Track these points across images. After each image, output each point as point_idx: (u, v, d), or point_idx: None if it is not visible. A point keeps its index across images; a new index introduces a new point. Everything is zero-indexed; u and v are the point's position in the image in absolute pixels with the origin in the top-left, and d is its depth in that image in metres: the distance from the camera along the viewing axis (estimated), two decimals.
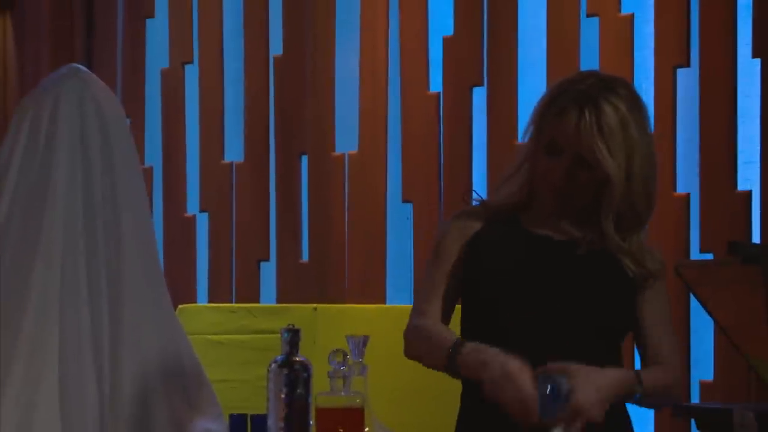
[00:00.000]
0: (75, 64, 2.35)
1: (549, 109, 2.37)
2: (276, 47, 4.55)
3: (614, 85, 2.37)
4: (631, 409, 2.46)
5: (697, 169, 3.80)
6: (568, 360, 2.29)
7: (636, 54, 3.90)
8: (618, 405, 2.38)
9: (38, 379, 2.12)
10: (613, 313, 2.39)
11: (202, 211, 4.69)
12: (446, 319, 2.45)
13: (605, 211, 2.35)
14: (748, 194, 3.74)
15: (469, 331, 2.42)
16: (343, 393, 2.14)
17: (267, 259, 4.55)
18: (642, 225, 2.40)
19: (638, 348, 2.47)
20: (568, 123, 2.33)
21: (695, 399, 3.73)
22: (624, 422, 2.43)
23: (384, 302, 4.27)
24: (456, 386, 2.46)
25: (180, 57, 4.74)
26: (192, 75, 4.73)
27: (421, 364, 2.47)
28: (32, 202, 2.20)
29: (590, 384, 2.23)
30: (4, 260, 2.17)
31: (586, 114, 2.32)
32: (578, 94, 2.34)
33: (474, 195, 2.50)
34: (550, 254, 2.39)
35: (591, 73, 2.43)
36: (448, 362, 2.35)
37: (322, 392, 2.15)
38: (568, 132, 2.33)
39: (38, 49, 5.03)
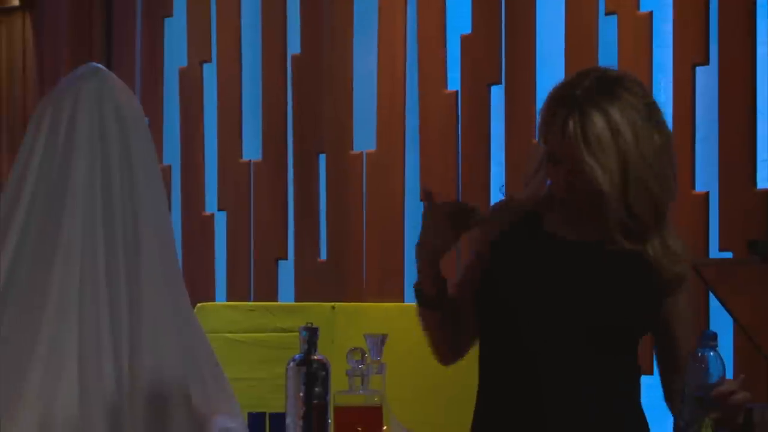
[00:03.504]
0: (94, 64, 2.36)
1: (542, 115, 2.30)
2: (294, 46, 4.56)
3: (613, 85, 2.25)
4: (647, 407, 2.44)
5: (716, 168, 3.79)
6: (583, 361, 2.28)
7: (655, 52, 3.89)
8: (633, 405, 2.37)
9: (58, 378, 2.12)
10: (632, 315, 2.36)
11: (220, 209, 4.70)
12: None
13: (609, 225, 2.26)
14: None
15: (487, 335, 2.42)
16: (361, 391, 2.14)
17: (285, 258, 4.55)
18: (651, 231, 2.28)
19: (661, 357, 2.40)
20: (556, 133, 2.25)
21: None
22: (641, 422, 2.41)
23: (402, 301, 4.27)
24: (474, 385, 2.46)
25: (198, 56, 4.75)
26: (210, 74, 4.73)
27: (436, 362, 2.45)
28: (52, 202, 2.21)
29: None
30: (24, 260, 2.18)
31: (571, 124, 2.21)
32: (567, 101, 2.24)
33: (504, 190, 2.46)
34: (568, 257, 2.35)
35: (590, 72, 2.29)
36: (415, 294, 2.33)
37: (341, 390, 2.15)
38: (557, 143, 2.25)
39: (57, 48, 5.05)
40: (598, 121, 2.20)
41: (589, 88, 2.24)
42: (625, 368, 2.33)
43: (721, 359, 2.12)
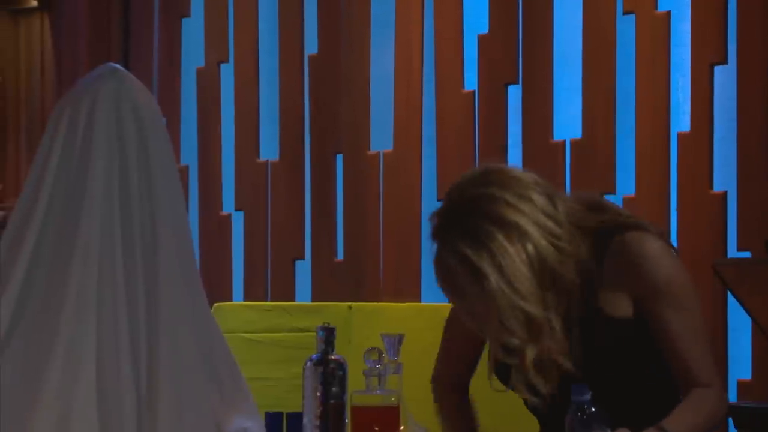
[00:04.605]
0: (112, 64, 2.36)
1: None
2: (311, 46, 4.56)
3: (477, 221, 2.16)
4: None
5: (734, 167, 3.78)
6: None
7: (672, 51, 3.88)
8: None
9: (76, 379, 2.13)
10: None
11: (237, 209, 4.70)
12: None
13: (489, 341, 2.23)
14: None
15: None
16: (378, 391, 2.14)
17: (302, 258, 4.55)
18: (527, 344, 2.15)
19: (671, 371, 2.27)
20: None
21: (733, 398, 3.71)
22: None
23: (419, 301, 4.27)
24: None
25: (215, 56, 4.76)
26: (227, 74, 4.74)
27: None
28: (69, 202, 2.21)
29: None
30: (42, 261, 2.18)
31: (440, 272, 2.22)
32: (436, 241, 2.20)
33: None
34: None
35: (454, 203, 2.20)
36: None
37: (358, 390, 2.15)
38: None
39: (75, 48, 5.07)
40: (461, 271, 2.16)
41: (451, 230, 2.18)
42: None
43: (601, 412, 1.98)
